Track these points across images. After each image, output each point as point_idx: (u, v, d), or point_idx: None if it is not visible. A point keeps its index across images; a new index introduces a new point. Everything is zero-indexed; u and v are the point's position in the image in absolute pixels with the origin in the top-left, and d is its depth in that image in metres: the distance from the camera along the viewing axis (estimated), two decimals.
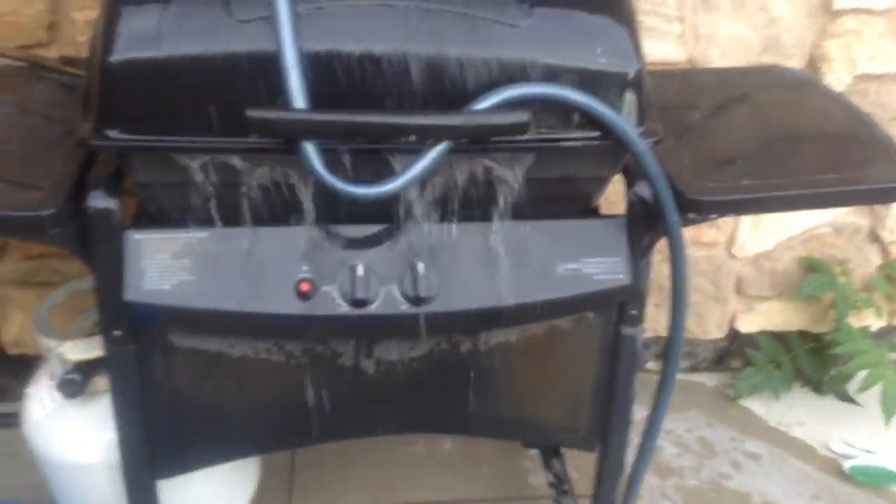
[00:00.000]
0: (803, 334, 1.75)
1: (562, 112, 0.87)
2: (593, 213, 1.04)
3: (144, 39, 0.81)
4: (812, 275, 1.65)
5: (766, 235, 1.65)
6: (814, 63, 1.50)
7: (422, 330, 0.94)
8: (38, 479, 1.16)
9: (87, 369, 1.05)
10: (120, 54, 0.81)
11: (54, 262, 1.49)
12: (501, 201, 0.93)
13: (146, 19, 0.81)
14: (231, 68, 0.81)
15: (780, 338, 1.75)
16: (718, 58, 1.46)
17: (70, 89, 1.13)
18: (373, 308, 0.92)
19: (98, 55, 0.82)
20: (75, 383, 1.03)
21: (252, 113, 0.78)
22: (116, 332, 0.94)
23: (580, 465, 1.42)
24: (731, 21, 1.43)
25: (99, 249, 0.90)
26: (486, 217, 0.94)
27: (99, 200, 0.89)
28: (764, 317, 1.75)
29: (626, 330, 1.05)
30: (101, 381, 1.04)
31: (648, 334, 1.75)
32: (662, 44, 1.45)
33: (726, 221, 1.62)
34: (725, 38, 1.44)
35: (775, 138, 1.12)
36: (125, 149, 0.86)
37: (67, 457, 1.08)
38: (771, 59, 1.47)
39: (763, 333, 1.75)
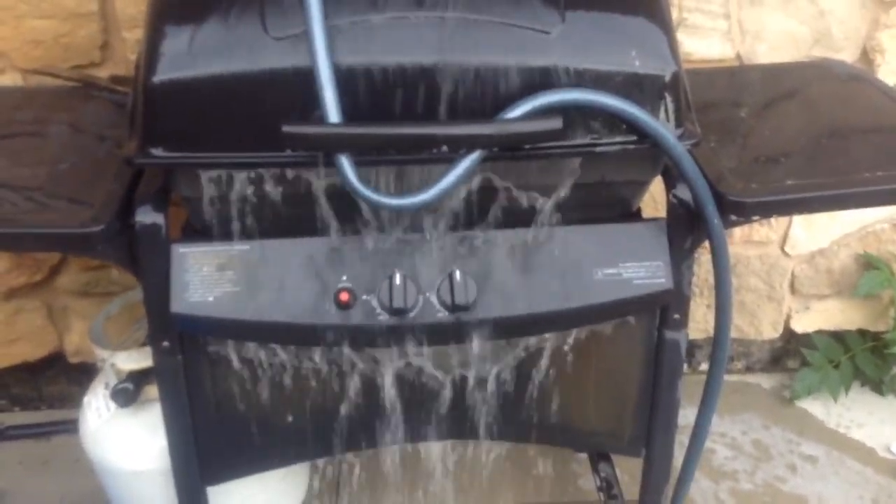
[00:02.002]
0: (862, 333, 1.70)
1: (597, 117, 0.86)
2: (633, 216, 1.02)
3: (184, 60, 0.83)
4: (869, 272, 1.61)
5: (820, 232, 1.61)
6: (866, 56, 1.46)
7: (460, 337, 0.95)
8: (99, 484, 1.20)
9: (138, 379, 1.08)
10: (161, 75, 0.83)
11: (113, 273, 1.54)
12: (538, 207, 0.93)
13: (186, 40, 0.84)
14: (268, 85, 0.83)
15: (837, 337, 1.71)
16: (766, 53, 1.43)
17: (121, 107, 1.16)
18: (411, 317, 0.93)
19: (141, 76, 0.85)
20: (128, 392, 1.07)
21: (288, 128, 0.80)
22: (164, 343, 0.97)
23: (631, 469, 1.41)
24: (779, 15, 1.40)
25: (146, 263, 0.93)
26: (522, 223, 0.94)
27: (146, 216, 0.92)
28: (820, 316, 1.71)
29: (670, 334, 1.03)
30: (153, 390, 1.07)
31: (701, 335, 1.73)
32: (708, 41, 1.43)
33: (778, 219, 1.59)
34: (773, 33, 1.42)
35: (824, 135, 1.10)
36: (168, 166, 0.88)
37: (121, 463, 1.11)
38: (821, 53, 1.43)
39: (820, 333, 1.71)
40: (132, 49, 1.31)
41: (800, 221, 1.60)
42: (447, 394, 1.06)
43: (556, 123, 0.82)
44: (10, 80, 1.34)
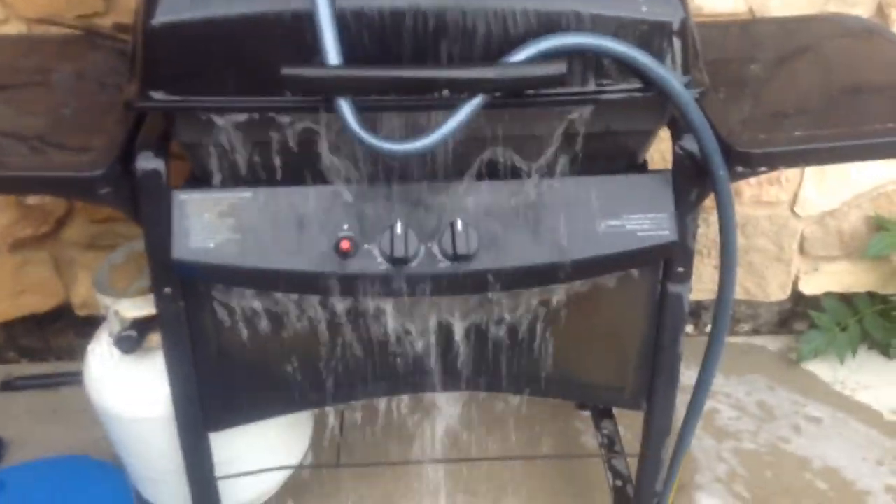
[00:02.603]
0: (871, 295, 1.69)
1: (603, 64, 0.85)
2: (639, 168, 1.01)
3: (183, 2, 0.82)
4: (879, 233, 1.59)
5: (831, 193, 1.59)
6: (882, 11, 1.43)
7: (461, 288, 0.95)
8: (105, 434, 1.22)
9: (142, 326, 1.08)
10: (160, 17, 0.82)
11: (119, 226, 1.54)
12: (541, 157, 0.92)
13: None
14: (268, 28, 0.81)
15: (846, 299, 1.70)
16: (779, 7, 1.41)
17: (124, 56, 1.16)
18: (412, 266, 0.92)
19: (140, 19, 0.84)
20: (131, 339, 1.07)
21: (287, 71, 0.79)
22: (166, 290, 0.97)
23: (634, 426, 1.41)
24: None
25: (147, 209, 0.93)
26: (526, 173, 0.94)
27: (147, 162, 0.91)
28: (829, 278, 1.70)
29: (673, 288, 1.02)
30: (157, 338, 1.08)
31: (708, 297, 1.72)
32: None
33: (789, 179, 1.57)
34: None
35: (837, 90, 1.08)
36: (168, 109, 0.87)
37: (124, 410, 1.12)
38: (836, 9, 1.40)
39: (828, 295, 1.70)
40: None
41: (811, 181, 1.58)
42: (449, 345, 1.06)
43: (559, 68, 0.80)
44: (14, 29, 1.34)
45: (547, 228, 0.94)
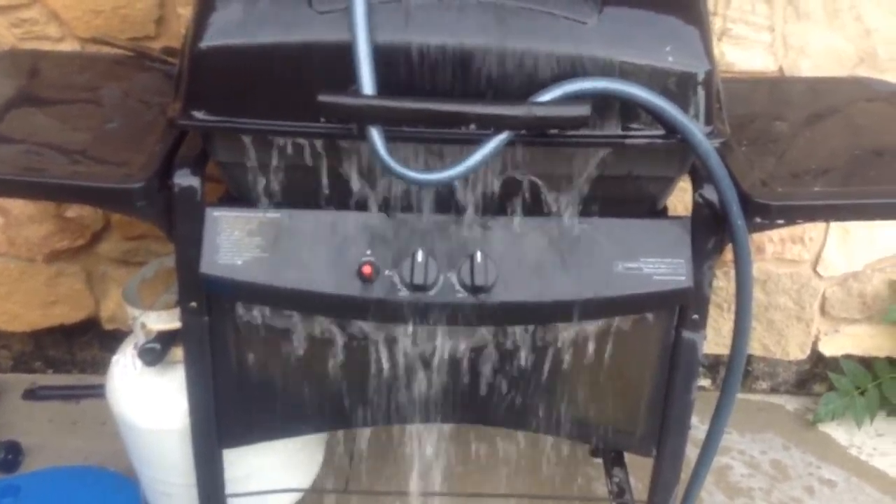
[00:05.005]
0: (891, 361, 1.67)
1: (626, 109, 0.87)
2: (659, 214, 1.03)
3: (230, 28, 0.87)
4: None
5: (855, 255, 1.59)
6: None
7: (477, 319, 0.97)
8: (123, 446, 1.24)
9: (166, 339, 1.11)
10: (208, 41, 0.86)
11: (151, 243, 1.58)
12: (563, 196, 0.95)
13: (233, 10, 0.87)
14: (308, 57, 0.85)
15: (865, 363, 1.68)
16: (809, 69, 1.43)
17: (171, 78, 1.20)
18: (431, 294, 0.95)
19: (189, 41, 0.88)
20: (155, 352, 1.10)
21: (323, 97, 0.83)
22: (192, 304, 1.00)
23: (646, 477, 1.41)
24: (824, 31, 1.40)
25: (181, 224, 0.97)
26: (547, 211, 0.96)
27: (183, 178, 0.95)
28: (849, 340, 1.69)
29: (687, 334, 1.03)
30: (179, 352, 1.10)
31: (726, 351, 1.71)
32: (751, 53, 1.43)
33: (812, 238, 1.58)
34: (817, 49, 1.41)
35: (862, 152, 1.09)
36: (208, 129, 0.91)
37: (142, 420, 1.14)
38: (865, 73, 1.42)
39: (848, 357, 1.69)
40: (186, 25, 1.35)
41: (834, 242, 1.58)
42: (463, 377, 1.07)
43: (584, 110, 0.83)
44: (69, 47, 1.40)
45: (564, 266, 0.96)
